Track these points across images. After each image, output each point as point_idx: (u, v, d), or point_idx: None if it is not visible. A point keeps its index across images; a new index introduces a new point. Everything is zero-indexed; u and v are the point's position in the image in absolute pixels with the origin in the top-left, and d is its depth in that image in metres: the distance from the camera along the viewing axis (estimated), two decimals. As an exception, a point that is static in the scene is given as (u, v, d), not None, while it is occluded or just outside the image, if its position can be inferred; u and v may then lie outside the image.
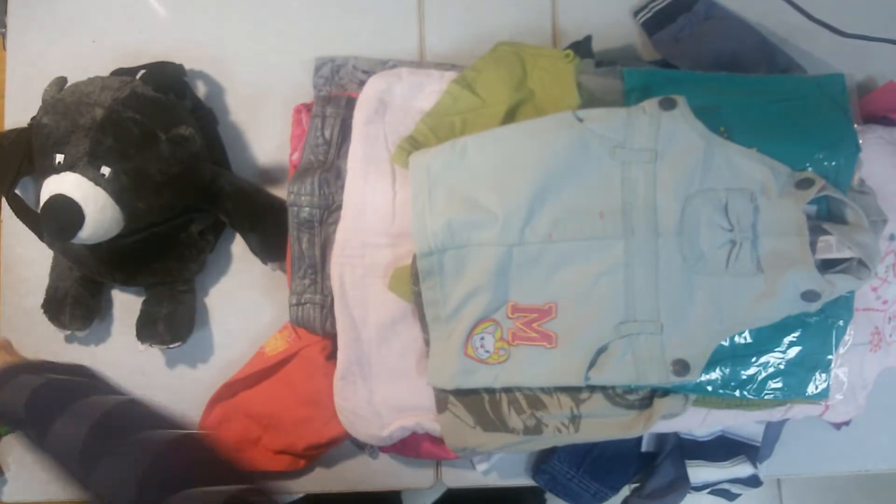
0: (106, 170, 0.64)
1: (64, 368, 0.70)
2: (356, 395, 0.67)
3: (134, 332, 0.74)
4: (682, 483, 0.72)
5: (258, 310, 0.77)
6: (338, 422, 0.68)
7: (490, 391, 0.66)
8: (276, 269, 0.76)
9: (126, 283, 0.76)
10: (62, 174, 0.63)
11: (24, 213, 0.72)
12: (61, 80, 0.71)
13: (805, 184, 0.62)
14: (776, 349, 0.64)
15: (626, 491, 0.78)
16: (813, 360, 0.64)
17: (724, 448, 0.73)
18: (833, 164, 0.63)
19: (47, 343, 0.77)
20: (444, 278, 0.64)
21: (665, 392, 0.64)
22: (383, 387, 0.67)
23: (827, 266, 0.63)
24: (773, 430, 0.74)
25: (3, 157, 0.72)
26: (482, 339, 0.64)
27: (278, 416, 0.73)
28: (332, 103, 0.72)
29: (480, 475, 0.75)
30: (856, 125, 0.68)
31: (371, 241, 0.68)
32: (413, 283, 0.65)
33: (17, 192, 0.72)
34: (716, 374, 0.63)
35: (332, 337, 0.71)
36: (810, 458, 0.76)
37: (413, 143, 0.68)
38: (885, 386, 0.72)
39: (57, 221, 0.63)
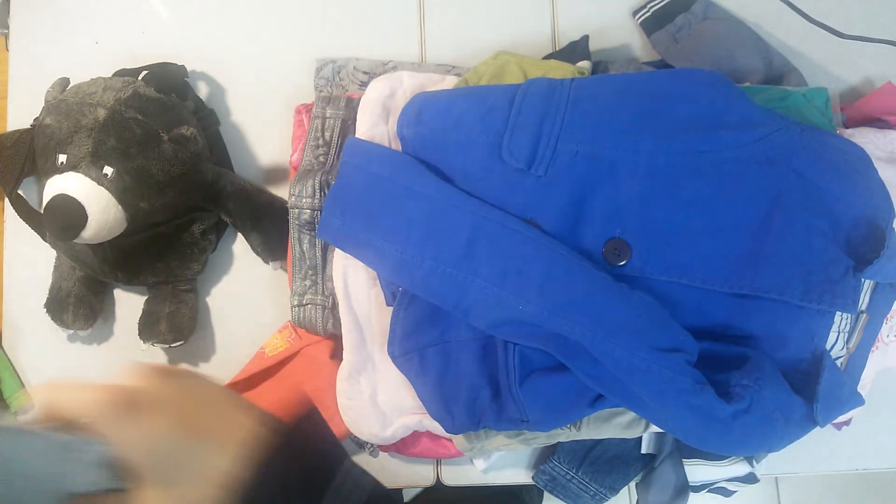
0: (108, 170, 0.64)
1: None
2: (360, 395, 0.67)
3: (136, 331, 0.74)
4: (683, 496, 0.73)
5: (260, 309, 0.77)
6: (338, 420, 0.68)
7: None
8: (278, 269, 0.77)
9: (128, 283, 0.76)
10: (65, 174, 0.64)
11: (27, 213, 0.73)
12: (64, 81, 0.72)
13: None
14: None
15: (625, 492, 0.78)
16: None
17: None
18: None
19: (49, 343, 0.78)
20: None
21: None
22: (387, 386, 0.67)
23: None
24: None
25: (6, 157, 0.72)
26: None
27: (279, 415, 0.73)
28: (332, 104, 0.72)
29: (480, 474, 0.75)
30: (848, 130, 0.69)
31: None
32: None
33: (20, 192, 0.73)
34: (714, 374, 0.64)
35: (332, 336, 0.72)
36: (808, 457, 0.76)
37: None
38: (884, 385, 0.73)
39: (60, 221, 0.63)
